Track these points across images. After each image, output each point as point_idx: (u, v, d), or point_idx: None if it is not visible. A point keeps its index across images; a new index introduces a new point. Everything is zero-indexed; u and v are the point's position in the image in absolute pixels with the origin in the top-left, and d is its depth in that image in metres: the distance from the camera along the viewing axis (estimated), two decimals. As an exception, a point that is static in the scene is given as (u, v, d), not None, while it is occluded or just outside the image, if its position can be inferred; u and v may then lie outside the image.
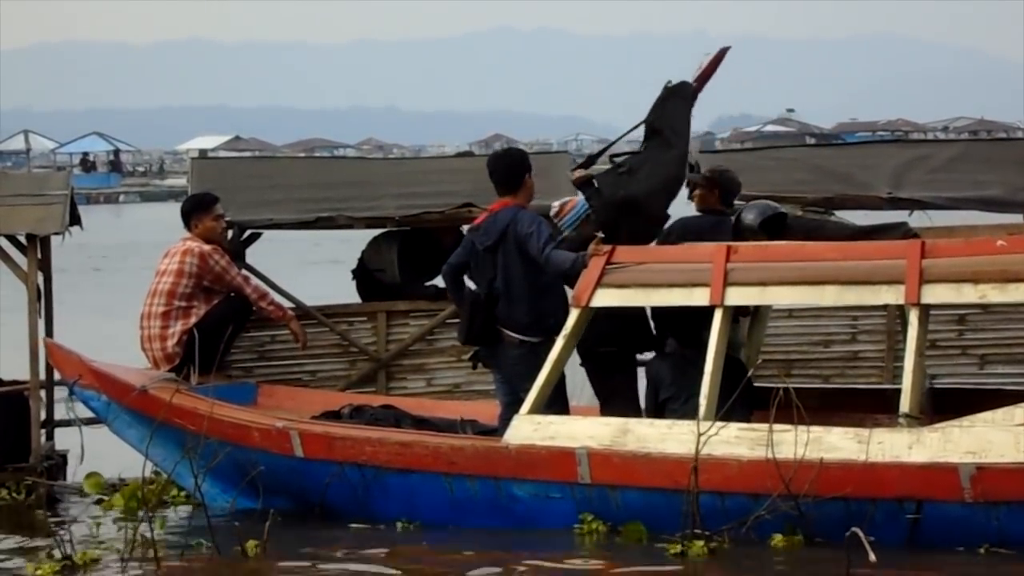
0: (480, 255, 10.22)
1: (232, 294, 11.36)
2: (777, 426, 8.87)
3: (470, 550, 9.38)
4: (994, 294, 8.90)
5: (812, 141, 77.97)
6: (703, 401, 9.21)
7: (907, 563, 8.60)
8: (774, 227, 10.20)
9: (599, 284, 9.63)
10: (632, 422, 9.42)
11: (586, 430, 9.42)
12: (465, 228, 12.27)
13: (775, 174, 12.14)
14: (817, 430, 8.85)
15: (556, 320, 9.88)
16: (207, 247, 11.27)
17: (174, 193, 71.39)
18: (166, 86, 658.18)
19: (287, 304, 11.85)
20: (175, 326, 11.17)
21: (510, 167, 10.40)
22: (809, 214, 11.60)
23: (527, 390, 9.77)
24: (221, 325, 11.11)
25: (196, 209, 11.48)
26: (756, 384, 9.80)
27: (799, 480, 8.68)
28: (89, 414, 11.15)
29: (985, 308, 11.78)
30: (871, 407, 10.05)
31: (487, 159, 10.75)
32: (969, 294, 8.96)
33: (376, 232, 12.55)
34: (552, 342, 9.85)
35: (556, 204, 10.58)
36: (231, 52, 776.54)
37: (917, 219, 11.79)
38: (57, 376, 11.93)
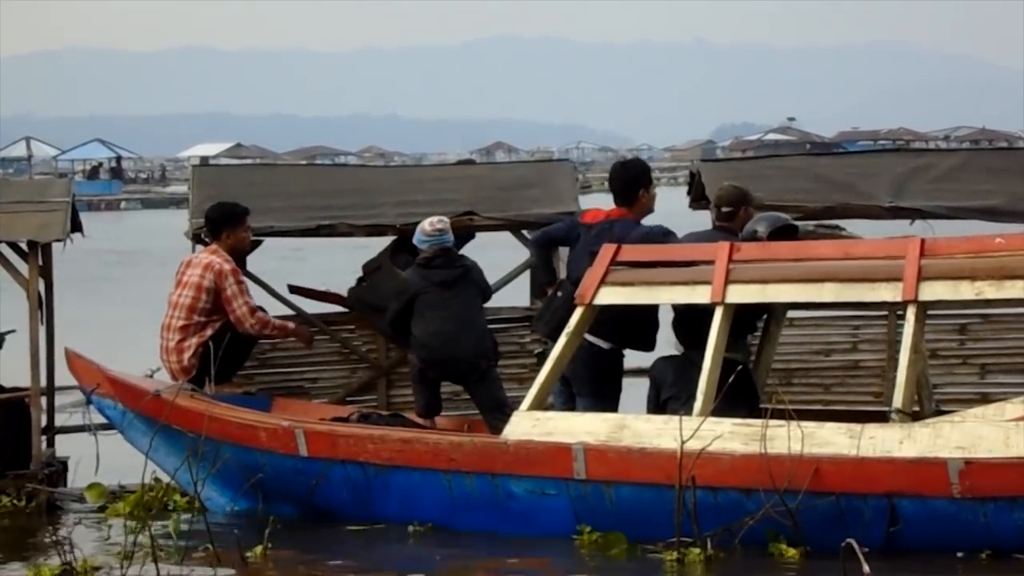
0: (584, 249, 10.24)
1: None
2: (771, 422, 8.91)
3: (470, 555, 9.42)
4: (991, 291, 8.95)
5: (809, 149, 78.07)
6: (699, 397, 9.25)
7: (903, 572, 8.59)
8: (784, 238, 10.23)
9: (603, 282, 9.67)
10: (629, 418, 9.49)
11: (584, 426, 9.45)
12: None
13: (776, 183, 12.14)
14: (810, 426, 8.91)
15: (633, 333, 10.12)
16: (227, 267, 11.22)
17: (175, 200, 71.49)
18: (168, 93, 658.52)
19: (286, 311, 11.91)
20: (191, 339, 11.17)
21: (629, 179, 10.51)
22: (821, 229, 11.63)
23: (585, 394, 9.98)
24: (237, 337, 11.12)
25: (229, 221, 11.42)
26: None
27: (790, 474, 8.70)
28: (103, 421, 11.15)
29: (986, 318, 11.80)
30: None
31: (611, 167, 10.82)
32: (966, 291, 9.00)
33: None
34: (619, 355, 10.23)
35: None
36: (232, 59, 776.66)
37: (919, 230, 11.81)
38: (58, 383, 11.95)
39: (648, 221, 10.54)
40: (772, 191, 11.91)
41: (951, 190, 12.05)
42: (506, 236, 12.33)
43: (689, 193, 12.49)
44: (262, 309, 11.38)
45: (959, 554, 8.72)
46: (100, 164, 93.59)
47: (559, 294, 10.40)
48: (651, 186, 10.60)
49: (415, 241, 11.11)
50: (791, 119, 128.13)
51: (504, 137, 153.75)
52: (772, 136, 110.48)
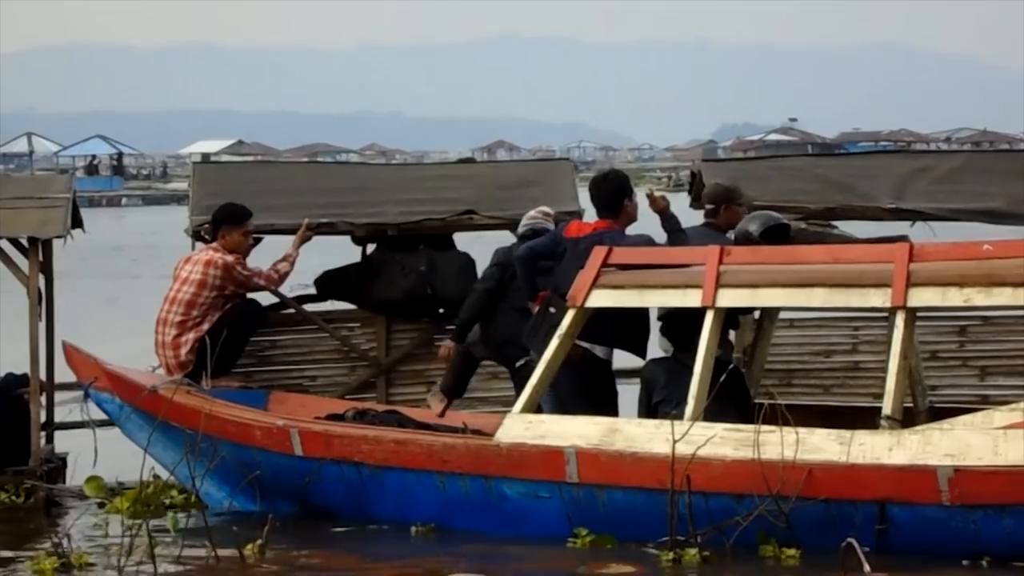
0: (573, 263, 10.15)
1: (242, 299, 11.40)
2: (762, 427, 8.90)
3: (465, 554, 9.40)
4: (979, 298, 8.93)
5: (811, 150, 78.04)
6: (691, 401, 9.24)
7: (900, 574, 8.58)
8: (776, 237, 10.23)
9: (595, 285, 9.67)
10: (621, 422, 9.48)
11: (576, 430, 9.45)
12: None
13: (777, 184, 12.15)
14: (801, 431, 8.88)
15: (627, 333, 10.07)
16: (230, 258, 11.28)
17: (176, 197, 71.54)
18: (170, 90, 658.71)
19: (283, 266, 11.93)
20: (188, 334, 11.20)
21: (612, 190, 10.48)
22: (813, 227, 11.63)
23: (576, 406, 9.87)
24: (233, 330, 11.15)
25: (228, 221, 11.46)
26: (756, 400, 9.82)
27: (782, 480, 8.69)
28: (102, 416, 11.15)
29: (986, 320, 11.79)
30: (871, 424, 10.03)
31: (590, 181, 10.80)
32: (954, 297, 8.98)
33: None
34: (607, 363, 10.18)
35: None
36: (235, 56, 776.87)
37: (920, 231, 11.81)
38: (58, 379, 11.94)
39: (631, 230, 10.55)
40: (773, 192, 11.93)
41: (952, 192, 12.05)
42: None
43: (690, 193, 12.48)
44: (273, 267, 11.54)
45: (961, 561, 8.71)
46: (95, 157, 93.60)
47: (551, 310, 10.26)
48: (633, 195, 10.58)
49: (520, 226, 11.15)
50: (793, 120, 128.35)
51: (506, 135, 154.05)
52: (774, 136, 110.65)
